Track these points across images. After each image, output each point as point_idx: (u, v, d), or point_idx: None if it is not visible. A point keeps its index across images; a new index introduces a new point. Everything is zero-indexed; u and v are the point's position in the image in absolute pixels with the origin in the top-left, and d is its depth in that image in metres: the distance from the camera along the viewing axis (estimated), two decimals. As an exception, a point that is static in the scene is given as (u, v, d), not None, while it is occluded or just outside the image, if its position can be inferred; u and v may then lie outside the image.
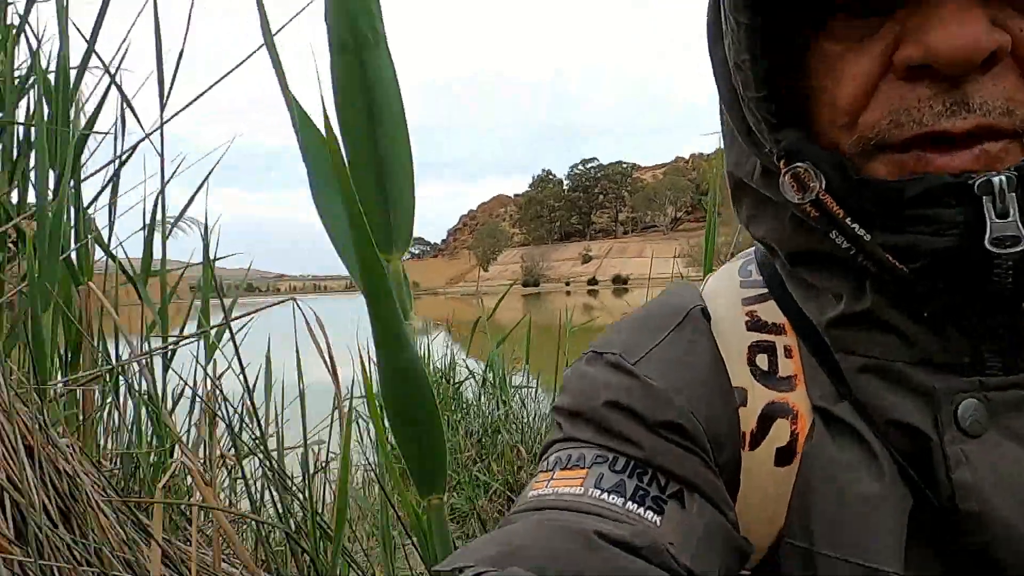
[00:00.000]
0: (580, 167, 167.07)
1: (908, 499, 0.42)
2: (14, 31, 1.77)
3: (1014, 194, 0.36)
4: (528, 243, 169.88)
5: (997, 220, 0.36)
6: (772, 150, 0.43)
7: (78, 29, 1.61)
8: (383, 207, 0.74)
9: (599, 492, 0.44)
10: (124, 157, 1.75)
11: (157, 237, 1.95)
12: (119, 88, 1.67)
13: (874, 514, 0.42)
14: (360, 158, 0.72)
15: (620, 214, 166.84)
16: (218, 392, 1.46)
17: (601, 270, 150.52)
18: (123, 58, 1.86)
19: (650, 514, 0.43)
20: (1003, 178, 0.36)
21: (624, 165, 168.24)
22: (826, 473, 0.44)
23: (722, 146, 0.53)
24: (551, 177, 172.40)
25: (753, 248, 0.58)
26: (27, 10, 1.82)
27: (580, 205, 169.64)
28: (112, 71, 1.68)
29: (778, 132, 0.43)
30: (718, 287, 0.55)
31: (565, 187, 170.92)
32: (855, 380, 0.45)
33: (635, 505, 0.43)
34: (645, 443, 0.46)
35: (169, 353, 1.71)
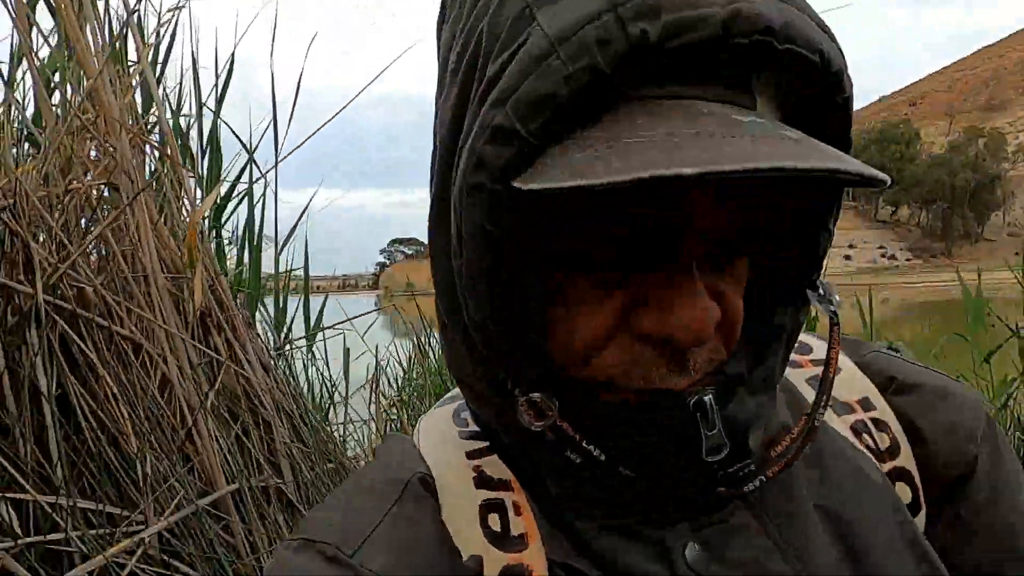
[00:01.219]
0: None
1: None
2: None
3: (717, 408, 0.42)
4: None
5: (708, 433, 0.42)
6: (505, 378, 0.44)
7: (247, 148, 2.21)
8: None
9: None
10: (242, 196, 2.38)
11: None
12: (250, 155, 2.28)
13: None
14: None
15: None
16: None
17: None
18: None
19: None
20: (711, 397, 0.42)
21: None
22: None
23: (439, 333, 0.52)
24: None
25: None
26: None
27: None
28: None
29: (516, 364, 0.43)
30: (437, 441, 0.54)
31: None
32: (593, 539, 0.46)
33: None
34: None
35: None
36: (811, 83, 0.39)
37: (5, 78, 1.54)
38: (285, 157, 2.47)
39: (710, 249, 0.42)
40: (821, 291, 0.47)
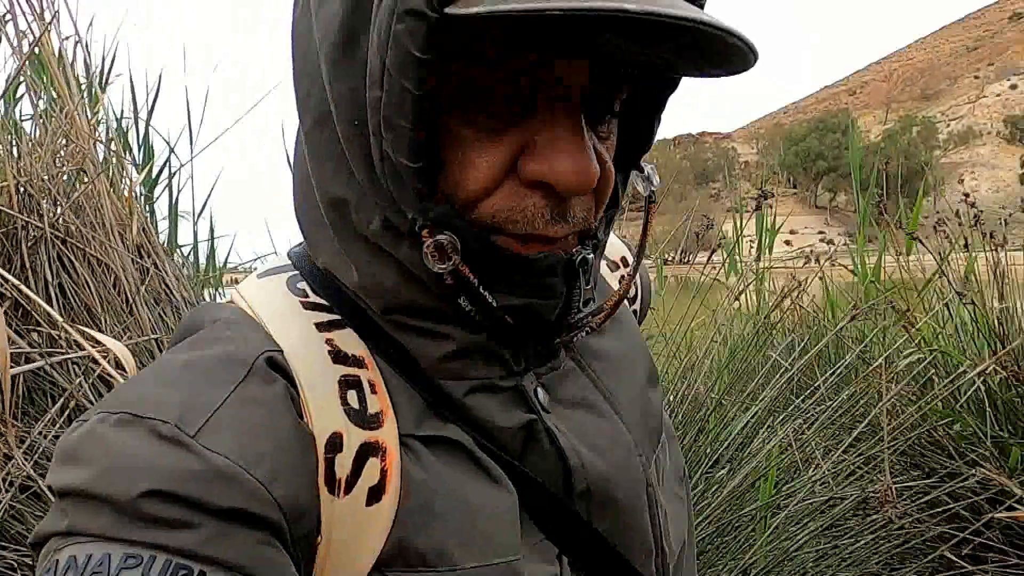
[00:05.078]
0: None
1: (514, 494, 0.48)
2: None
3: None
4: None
5: (585, 287, 0.48)
6: (415, 217, 0.43)
7: (168, 144, 3.22)
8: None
9: None
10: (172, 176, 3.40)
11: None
12: (171, 149, 3.30)
13: (488, 516, 0.46)
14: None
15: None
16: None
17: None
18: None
19: None
20: (592, 257, 0.48)
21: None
22: (436, 494, 0.45)
23: (311, 171, 0.48)
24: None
25: (286, 261, 0.55)
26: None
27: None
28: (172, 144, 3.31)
29: (426, 202, 0.43)
30: (278, 311, 0.49)
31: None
32: (463, 401, 0.48)
33: None
34: (197, 528, 0.38)
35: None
36: None
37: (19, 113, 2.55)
38: (199, 152, 3.51)
39: (592, 105, 0.45)
40: (647, 172, 0.52)
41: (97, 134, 2.42)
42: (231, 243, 3.59)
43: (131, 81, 3.61)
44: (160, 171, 3.55)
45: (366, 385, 0.47)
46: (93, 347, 1.48)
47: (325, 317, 0.49)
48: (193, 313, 0.53)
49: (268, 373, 0.45)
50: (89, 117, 2.39)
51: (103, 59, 3.29)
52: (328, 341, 0.48)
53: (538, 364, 0.52)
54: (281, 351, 0.46)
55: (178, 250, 3.18)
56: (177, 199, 3.27)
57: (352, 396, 0.46)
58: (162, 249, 2.56)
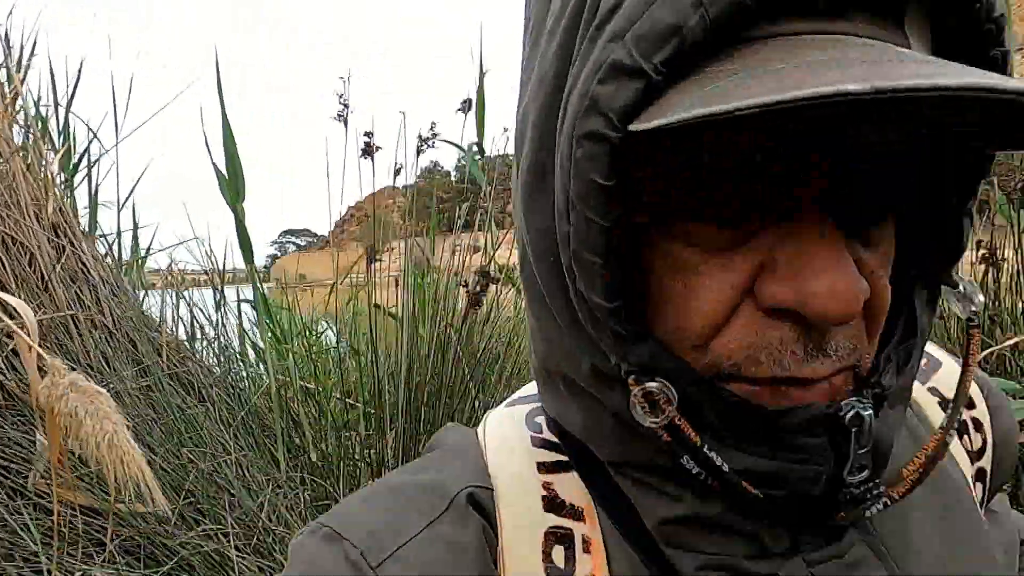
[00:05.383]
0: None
1: None
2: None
3: (871, 424, 0.36)
4: (419, 233, 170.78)
5: (859, 451, 0.36)
6: (618, 364, 0.37)
7: (91, 130, 3.26)
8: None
9: None
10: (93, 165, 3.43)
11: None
12: (95, 134, 3.33)
13: None
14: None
15: (509, 205, 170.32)
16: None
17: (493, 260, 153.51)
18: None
19: None
20: (870, 413, 0.36)
21: (511, 157, 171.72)
22: None
23: (530, 328, 0.45)
24: (439, 168, 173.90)
25: (536, 392, 0.49)
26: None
27: (469, 197, 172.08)
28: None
29: (628, 345, 0.36)
30: (505, 445, 0.46)
31: (453, 178, 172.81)
32: None
33: None
34: None
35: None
36: (967, 30, 0.34)
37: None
38: (124, 138, 3.55)
39: (843, 206, 0.34)
40: (962, 288, 0.40)
41: (13, 115, 2.46)
42: (154, 232, 3.64)
43: (51, 67, 3.63)
44: (81, 158, 3.57)
45: (579, 542, 0.41)
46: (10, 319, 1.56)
47: (552, 457, 0.45)
48: (437, 434, 0.52)
49: (466, 511, 0.42)
50: (5, 99, 2.44)
51: (22, 44, 3.32)
52: (546, 485, 0.43)
53: (811, 547, 0.40)
54: (490, 488, 0.43)
55: (102, 239, 3.22)
56: (98, 185, 3.32)
57: (558, 552, 0.41)
58: (79, 230, 2.61)
